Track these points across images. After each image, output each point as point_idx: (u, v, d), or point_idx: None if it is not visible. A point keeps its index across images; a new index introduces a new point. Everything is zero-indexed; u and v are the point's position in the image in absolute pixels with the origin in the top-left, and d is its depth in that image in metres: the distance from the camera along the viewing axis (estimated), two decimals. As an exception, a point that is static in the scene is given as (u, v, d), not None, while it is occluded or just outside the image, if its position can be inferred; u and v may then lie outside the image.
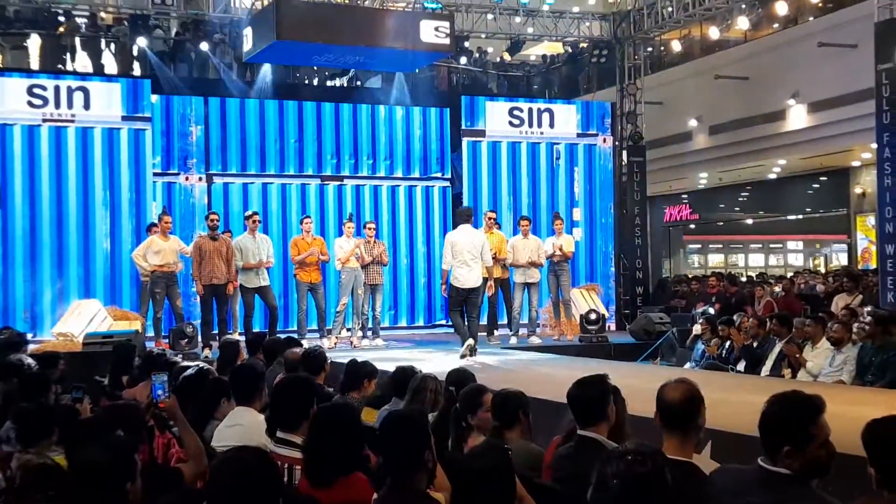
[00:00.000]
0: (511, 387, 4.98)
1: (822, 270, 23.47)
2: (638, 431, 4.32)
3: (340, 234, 13.42)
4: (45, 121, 13.92)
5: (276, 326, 12.52)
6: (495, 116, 16.25)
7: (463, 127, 16.10)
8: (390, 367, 6.59)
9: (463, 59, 18.24)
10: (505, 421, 4.71)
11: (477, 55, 20.09)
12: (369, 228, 13.06)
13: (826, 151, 19.60)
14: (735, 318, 11.45)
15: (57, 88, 14.02)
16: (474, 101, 16.42)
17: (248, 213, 13.08)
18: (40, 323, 13.68)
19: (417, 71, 16.91)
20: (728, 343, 11.10)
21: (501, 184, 16.26)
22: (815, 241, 28.65)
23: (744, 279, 20.48)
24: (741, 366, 10.56)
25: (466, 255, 10.55)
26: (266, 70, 15.55)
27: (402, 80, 16.21)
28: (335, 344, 12.60)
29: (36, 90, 13.91)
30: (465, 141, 16.09)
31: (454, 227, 15.95)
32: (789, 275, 20.93)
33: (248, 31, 13.94)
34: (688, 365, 11.57)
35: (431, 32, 13.43)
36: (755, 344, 10.57)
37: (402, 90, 16.21)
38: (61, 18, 15.99)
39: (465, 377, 5.41)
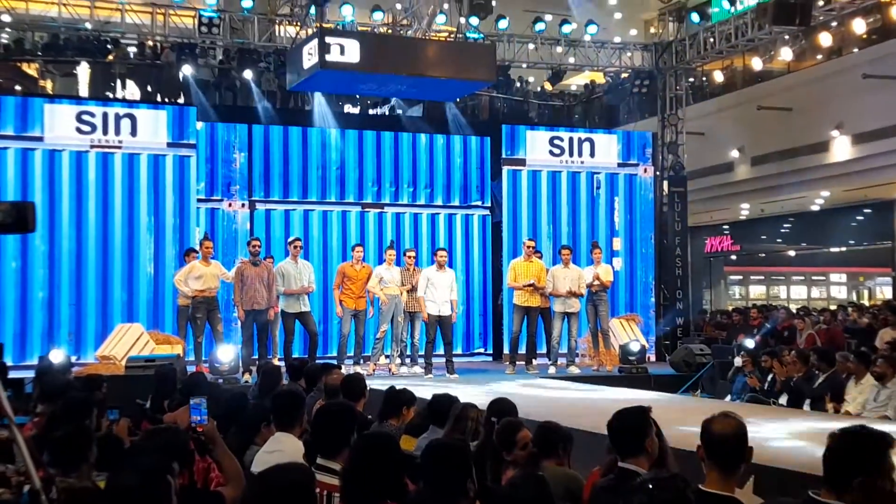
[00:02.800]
0: (553, 420, 4.98)
1: (867, 303, 23.11)
2: (679, 464, 4.29)
3: (381, 261, 13.48)
4: (92, 147, 14.16)
5: (316, 352, 12.58)
6: (536, 145, 16.28)
7: (503, 155, 16.14)
8: (428, 395, 6.59)
9: (504, 89, 18.31)
10: (544, 451, 4.71)
11: (518, 84, 20.16)
12: (409, 256, 13.10)
13: (870, 183, 19.39)
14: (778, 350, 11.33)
15: (105, 115, 14.27)
16: (515, 129, 16.46)
17: (291, 238, 13.18)
18: (84, 345, 13.86)
19: (458, 100, 17.01)
20: (771, 376, 10.96)
21: (541, 212, 16.25)
22: (858, 273, 28.24)
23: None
24: (783, 399, 10.42)
25: None
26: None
27: (444, 109, 16.32)
28: (374, 371, 12.63)
29: (84, 117, 14.17)
30: (505, 169, 16.12)
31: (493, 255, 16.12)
32: (832, 307, 20.67)
33: (292, 60, 14.12)
34: (728, 398, 11.45)
35: (473, 62, 13.53)
36: (797, 377, 10.44)
37: (443, 119, 16.31)
38: (110, 47, 16.30)
39: (507, 408, 5.38)
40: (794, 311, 19.33)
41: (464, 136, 16.51)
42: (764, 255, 28.79)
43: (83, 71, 16.92)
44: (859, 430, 3.38)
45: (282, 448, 5.11)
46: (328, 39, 12.82)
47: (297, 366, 9.21)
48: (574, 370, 13.18)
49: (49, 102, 14.45)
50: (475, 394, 8.92)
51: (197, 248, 13.16)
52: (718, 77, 20.43)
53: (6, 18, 15.42)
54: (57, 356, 11.44)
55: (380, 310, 12.89)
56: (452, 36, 15.21)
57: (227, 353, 12.21)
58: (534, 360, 13.38)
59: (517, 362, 13.31)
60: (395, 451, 4.00)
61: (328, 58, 12.67)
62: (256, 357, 12.33)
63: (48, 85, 17.46)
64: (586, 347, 14.40)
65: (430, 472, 3.65)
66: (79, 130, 14.10)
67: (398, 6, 16.17)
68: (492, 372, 13.75)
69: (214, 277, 12.57)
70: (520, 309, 13.12)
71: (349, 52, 12.76)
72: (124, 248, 14.28)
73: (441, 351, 12.93)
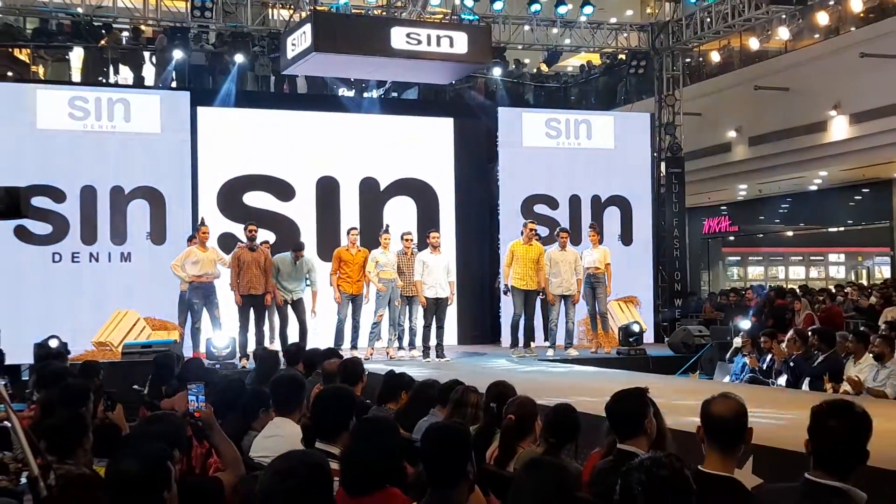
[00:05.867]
0: (564, 402, 4.92)
1: (865, 283, 23.12)
2: (678, 445, 4.27)
3: (377, 245, 13.41)
4: (86, 132, 14.07)
5: (306, 341, 12.44)
6: (532, 127, 16.20)
7: (499, 138, 16.07)
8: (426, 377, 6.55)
9: (499, 71, 18.23)
10: (560, 440, 4.65)
11: (514, 66, 20.04)
12: (407, 240, 13.04)
13: (868, 163, 19.38)
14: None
15: (98, 101, 14.17)
16: (511, 112, 16.37)
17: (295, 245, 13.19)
18: (80, 332, 13.78)
19: (454, 82, 16.90)
20: (769, 357, 10.95)
21: (538, 195, 16.16)
22: (856, 253, 28.25)
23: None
24: (782, 380, 10.42)
25: None
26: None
27: (439, 92, 16.23)
28: (371, 355, 12.60)
29: (77, 102, 14.07)
30: (501, 152, 16.05)
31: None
32: (831, 287, 20.69)
33: (285, 44, 14.02)
34: (727, 378, 11.44)
35: (468, 44, 13.43)
36: (795, 356, 10.43)
37: (439, 101, 16.22)
38: (103, 31, 16.18)
39: (506, 392, 5.33)
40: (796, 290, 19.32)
41: (459, 118, 16.41)
42: (762, 235, 28.79)
43: (76, 56, 16.79)
44: (843, 405, 3.29)
45: (280, 433, 5.09)
46: (322, 22, 12.73)
47: (293, 351, 9.20)
48: (573, 353, 13.16)
49: (41, 88, 14.35)
50: (474, 377, 8.89)
51: (194, 234, 13.10)
52: (715, 57, 20.36)
53: (-3, 4, 15.32)
54: (53, 343, 11.39)
55: (377, 294, 12.84)
56: (447, 18, 15.12)
57: (223, 338, 12.19)
58: (532, 343, 13.33)
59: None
60: (395, 434, 3.98)
61: (322, 41, 12.58)
62: (254, 342, 12.31)
63: (40, 70, 17.33)
64: (584, 330, 14.38)
65: (431, 455, 3.63)
66: (72, 116, 14.00)
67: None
68: (490, 355, 13.73)
69: (212, 263, 12.53)
70: (519, 292, 13.07)
71: (343, 34, 12.68)
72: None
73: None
